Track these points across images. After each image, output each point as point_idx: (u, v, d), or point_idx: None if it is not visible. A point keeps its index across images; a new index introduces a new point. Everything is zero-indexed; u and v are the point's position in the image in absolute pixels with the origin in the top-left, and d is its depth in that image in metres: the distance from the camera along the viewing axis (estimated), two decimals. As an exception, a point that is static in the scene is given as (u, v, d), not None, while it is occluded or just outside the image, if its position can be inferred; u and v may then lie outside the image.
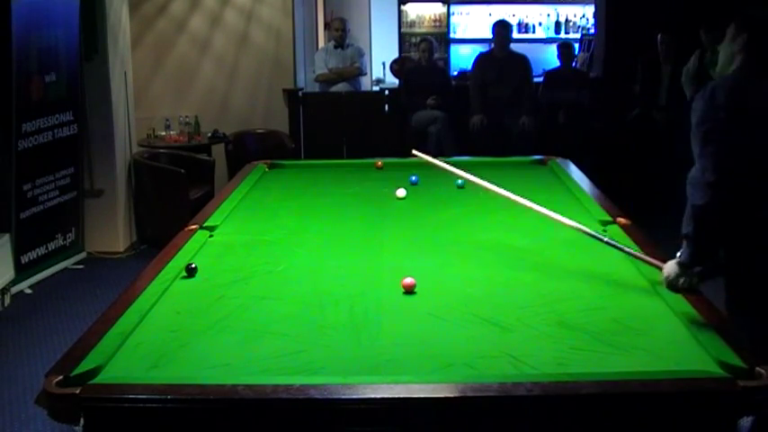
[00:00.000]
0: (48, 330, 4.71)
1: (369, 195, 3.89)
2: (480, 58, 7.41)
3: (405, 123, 7.35)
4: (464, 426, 1.82)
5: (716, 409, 1.82)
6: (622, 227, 3.08)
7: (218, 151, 6.87)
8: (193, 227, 3.19)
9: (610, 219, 3.20)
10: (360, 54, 7.68)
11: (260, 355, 2.07)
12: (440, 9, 9.99)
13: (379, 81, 9.70)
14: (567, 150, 4.95)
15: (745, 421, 1.81)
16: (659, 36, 6.91)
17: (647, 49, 7.01)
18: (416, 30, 9.96)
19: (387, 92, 8.00)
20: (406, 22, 10.03)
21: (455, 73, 9.37)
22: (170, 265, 2.73)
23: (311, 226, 3.37)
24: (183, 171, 5.86)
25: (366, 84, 8.74)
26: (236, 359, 2.05)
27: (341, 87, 7.54)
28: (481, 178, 4.10)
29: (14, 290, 5.14)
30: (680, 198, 2.74)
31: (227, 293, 2.53)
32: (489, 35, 7.89)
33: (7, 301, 5.01)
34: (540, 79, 7.70)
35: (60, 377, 1.88)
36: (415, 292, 2.48)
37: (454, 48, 10.01)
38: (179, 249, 2.90)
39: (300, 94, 7.49)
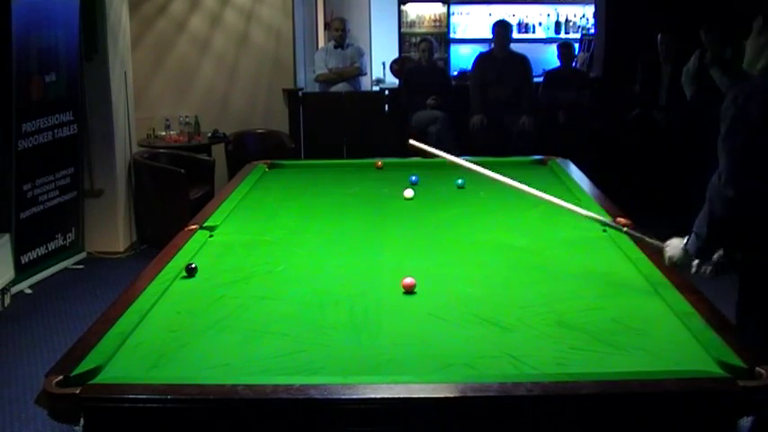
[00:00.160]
0: (48, 330, 4.71)
1: (369, 195, 3.89)
2: (480, 58, 7.41)
3: (405, 123, 7.35)
4: (464, 426, 1.82)
5: (716, 409, 1.82)
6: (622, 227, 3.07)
7: (218, 151, 6.87)
8: (193, 227, 3.19)
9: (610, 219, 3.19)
10: (360, 54, 7.68)
11: (260, 355, 2.07)
12: (440, 9, 9.99)
13: (379, 81, 9.70)
14: (567, 150, 4.95)
15: (745, 421, 1.81)
16: (659, 36, 6.91)
17: (647, 49, 7.01)
18: (416, 30, 9.96)
19: (387, 92, 8.00)
20: (406, 22, 10.03)
21: (455, 73, 9.37)
22: (170, 265, 2.73)
23: (311, 226, 3.37)
24: (183, 171, 5.86)
25: (366, 84, 8.74)
26: (236, 359, 2.05)
27: (341, 87, 7.54)
28: (481, 178, 4.12)
29: (14, 290, 5.15)
30: (680, 198, 2.75)
31: (227, 293, 2.53)
32: (489, 35, 7.89)
33: (7, 301, 5.01)
34: (540, 79, 7.70)
35: (60, 377, 1.88)
36: (415, 292, 2.48)
37: (454, 48, 10.01)
38: (179, 249, 2.90)
39: (300, 94, 7.49)
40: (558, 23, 9.97)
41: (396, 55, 9.38)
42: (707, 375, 1.87)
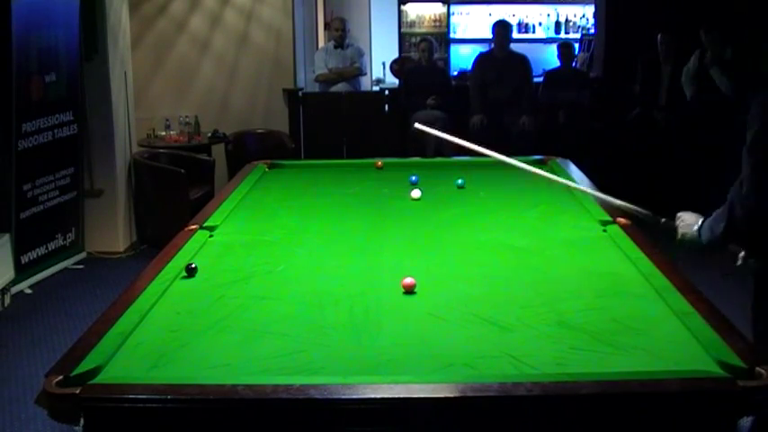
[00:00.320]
0: (48, 330, 4.71)
1: (369, 195, 3.89)
2: (480, 58, 7.42)
3: (405, 123, 7.35)
4: (464, 426, 1.82)
5: (716, 409, 1.82)
6: (622, 227, 3.07)
7: (218, 151, 6.88)
8: (193, 227, 3.18)
9: (610, 219, 3.20)
10: (360, 54, 7.68)
11: (260, 355, 2.06)
12: (440, 9, 10.00)
13: (379, 81, 9.70)
14: (567, 150, 4.95)
15: (745, 421, 1.81)
16: (659, 36, 6.91)
17: (647, 49, 7.01)
18: (416, 30, 9.96)
19: (387, 92, 8.01)
20: (406, 22, 10.03)
21: (455, 73, 9.37)
22: (170, 265, 2.72)
23: (311, 226, 3.37)
24: (183, 171, 5.86)
25: (366, 84, 8.74)
26: (236, 359, 2.05)
27: (341, 87, 7.55)
28: (481, 178, 4.13)
29: (14, 290, 5.15)
30: (679, 198, 2.75)
31: (227, 293, 2.53)
32: (489, 35, 7.90)
33: (7, 301, 5.01)
34: (540, 79, 7.70)
35: (60, 377, 1.88)
36: (415, 292, 2.48)
37: (454, 48, 10.02)
38: (179, 249, 2.89)
39: (300, 94, 7.49)
40: (558, 23, 9.98)
41: (396, 55, 9.39)
42: (707, 375, 1.87)
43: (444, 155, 6.79)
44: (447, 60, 9.83)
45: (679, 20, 6.86)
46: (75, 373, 1.90)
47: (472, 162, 4.85)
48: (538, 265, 2.77)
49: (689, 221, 2.58)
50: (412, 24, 10.04)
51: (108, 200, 6.11)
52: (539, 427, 1.84)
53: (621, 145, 7.04)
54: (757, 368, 1.86)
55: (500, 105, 7.08)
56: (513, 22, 9.23)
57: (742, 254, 2.56)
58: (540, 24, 10.01)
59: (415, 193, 3.69)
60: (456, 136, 7.40)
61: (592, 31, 9.25)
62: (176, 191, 5.87)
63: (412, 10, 10.02)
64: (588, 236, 3.08)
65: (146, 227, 6.28)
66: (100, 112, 6.02)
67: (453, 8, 9.97)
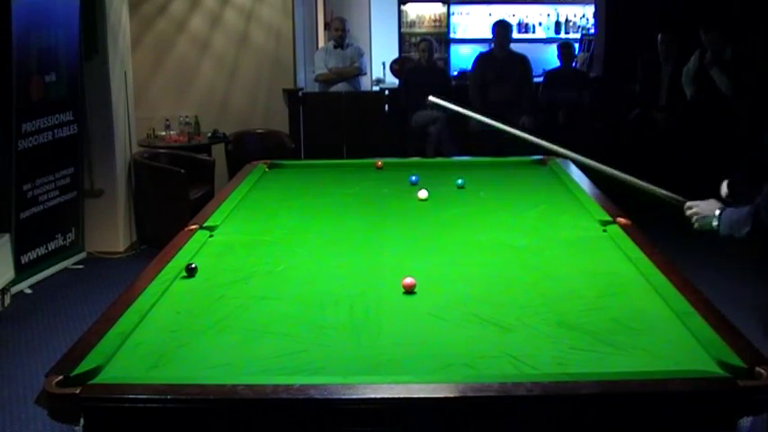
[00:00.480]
0: (48, 330, 4.71)
1: (369, 195, 3.89)
2: (480, 58, 7.42)
3: (405, 123, 7.35)
4: (464, 426, 1.82)
5: (716, 409, 1.82)
6: (622, 227, 3.07)
7: (219, 151, 6.88)
8: (193, 227, 3.18)
9: (610, 219, 3.20)
10: (359, 54, 7.68)
11: (260, 355, 2.07)
12: (440, 9, 10.00)
13: (379, 81, 9.71)
14: (567, 150, 4.94)
15: (745, 421, 1.81)
16: (659, 36, 6.91)
17: (647, 49, 7.01)
18: (416, 30, 9.97)
19: (387, 92, 8.01)
20: (406, 22, 10.04)
21: (455, 73, 9.38)
22: (170, 265, 2.72)
23: (311, 226, 3.37)
24: (182, 171, 5.86)
25: (366, 84, 8.75)
26: (236, 359, 2.05)
27: (341, 87, 7.55)
28: (481, 178, 4.13)
29: (14, 290, 5.14)
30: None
31: (227, 293, 2.53)
32: (489, 35, 7.90)
33: (7, 301, 5.01)
34: (540, 79, 7.70)
35: (60, 377, 1.88)
36: (415, 292, 2.48)
37: (454, 48, 10.02)
38: (179, 249, 2.89)
39: (300, 94, 7.50)
40: (558, 23, 9.98)
41: (396, 55, 9.39)
42: (707, 375, 1.87)
43: (445, 155, 6.80)
44: (447, 60, 9.84)
45: (679, 20, 6.87)
46: (75, 373, 1.90)
47: (472, 162, 4.87)
48: (538, 265, 2.77)
49: (704, 211, 2.59)
50: (412, 24, 10.04)
51: (108, 200, 6.10)
52: (539, 427, 1.84)
53: (621, 145, 7.03)
54: (757, 368, 1.86)
55: (500, 105, 7.06)
56: (513, 22, 9.24)
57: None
58: (540, 24, 10.01)
59: (422, 194, 3.68)
60: (456, 136, 7.43)
61: (592, 31, 9.26)
62: (176, 191, 5.87)
63: (412, 10, 10.02)
64: (588, 236, 3.08)
65: (146, 227, 6.28)
66: (100, 112, 6.01)
67: (453, 8, 9.97)
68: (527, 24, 9.97)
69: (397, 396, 1.80)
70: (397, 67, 8.78)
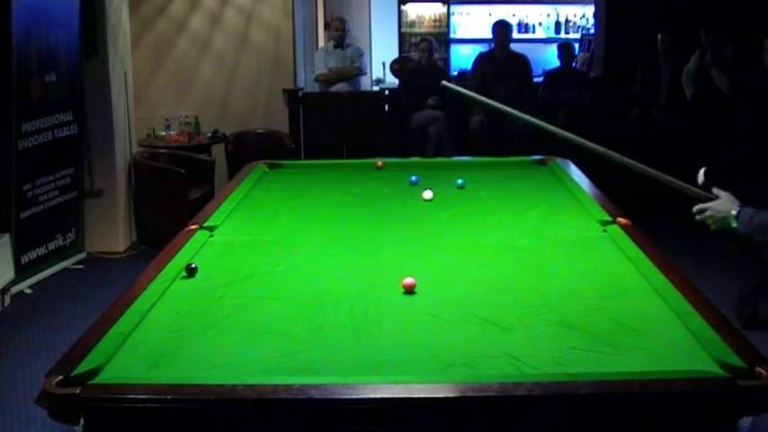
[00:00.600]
0: (48, 330, 4.71)
1: (369, 195, 3.89)
2: (480, 58, 7.42)
3: (405, 123, 7.35)
4: (464, 426, 1.82)
5: (716, 409, 1.82)
6: (622, 227, 3.07)
7: (218, 151, 6.88)
8: (193, 227, 3.19)
9: (610, 219, 3.20)
10: (359, 54, 7.68)
11: (260, 355, 2.07)
12: (440, 9, 10.00)
13: (379, 81, 9.71)
14: (567, 150, 4.94)
15: (745, 421, 1.81)
16: (659, 36, 6.91)
17: (647, 49, 7.01)
18: (416, 30, 9.97)
19: (387, 92, 8.01)
20: (406, 22, 10.04)
21: (455, 73, 9.37)
22: (170, 265, 2.73)
23: (311, 226, 3.37)
24: (182, 171, 5.86)
25: (366, 84, 8.75)
26: (236, 359, 2.05)
27: (341, 87, 7.55)
28: (481, 178, 4.13)
29: (14, 290, 5.14)
30: (679, 198, 2.75)
31: (227, 293, 2.53)
32: (489, 35, 7.90)
33: (7, 301, 5.01)
34: (540, 79, 7.70)
35: (60, 377, 1.88)
36: (415, 292, 2.48)
37: (454, 48, 10.02)
38: (179, 249, 2.90)
39: (300, 94, 7.49)
40: (558, 23, 9.99)
41: (396, 55, 9.39)
42: (707, 375, 1.87)
43: (445, 155, 6.80)
44: (447, 60, 9.84)
45: (679, 20, 6.87)
46: (75, 373, 1.90)
47: (472, 162, 4.87)
48: (538, 265, 2.78)
49: (720, 211, 2.57)
50: (412, 24, 10.04)
51: (108, 200, 6.10)
52: (539, 427, 1.84)
53: (621, 145, 7.03)
54: (757, 368, 1.86)
55: (500, 106, 7.07)
56: (513, 22, 9.24)
57: None
58: (540, 24, 10.01)
59: (427, 194, 3.67)
60: (456, 137, 7.42)
61: (592, 31, 9.26)
62: (176, 191, 5.87)
63: (412, 10, 10.02)
64: (588, 236, 3.08)
65: (146, 227, 6.28)
66: (100, 112, 6.01)
67: (453, 8, 9.97)
68: (527, 24, 9.97)
69: (397, 396, 1.80)
70: (397, 67, 8.78)
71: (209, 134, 6.80)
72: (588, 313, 2.31)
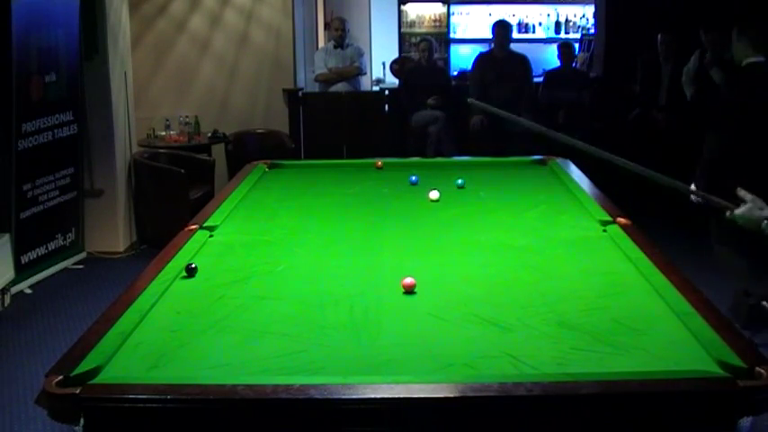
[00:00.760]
0: (48, 330, 4.71)
1: (369, 195, 3.89)
2: (480, 58, 7.42)
3: (405, 123, 7.35)
4: (464, 426, 1.82)
5: (716, 409, 1.82)
6: (622, 227, 3.07)
7: (218, 151, 6.88)
8: (193, 227, 3.19)
9: (610, 219, 3.20)
10: (359, 54, 7.68)
11: (260, 355, 2.07)
12: (440, 9, 10.00)
13: (379, 81, 9.71)
14: (567, 150, 4.95)
15: (745, 421, 1.81)
16: (659, 36, 6.91)
17: (647, 49, 7.01)
18: (416, 30, 9.97)
19: (387, 92, 8.01)
20: (406, 22, 10.04)
21: (455, 73, 9.37)
22: (170, 265, 2.73)
23: (311, 226, 3.37)
24: (182, 171, 5.86)
25: (366, 84, 8.74)
26: (236, 359, 2.05)
27: (341, 87, 7.55)
28: (481, 178, 4.13)
29: (14, 290, 5.15)
30: (679, 198, 2.75)
31: (227, 293, 2.53)
32: (489, 35, 7.90)
33: (7, 301, 5.01)
34: (540, 79, 7.70)
35: (60, 377, 1.88)
36: (415, 292, 2.48)
37: (454, 48, 10.02)
38: (179, 249, 2.90)
39: (300, 94, 7.49)
40: (558, 23, 9.98)
41: (396, 55, 9.39)
42: (707, 375, 1.87)
43: (445, 155, 6.80)
44: (447, 60, 9.84)
45: (679, 20, 6.87)
46: (75, 373, 1.90)
47: (472, 162, 4.87)
48: (538, 265, 2.77)
49: (750, 213, 2.51)
50: (412, 24, 10.04)
51: (108, 200, 6.11)
52: (539, 427, 1.84)
53: (621, 145, 7.03)
54: (757, 368, 1.86)
55: (500, 105, 7.05)
56: (513, 22, 9.24)
57: None
58: (540, 24, 10.01)
59: (434, 194, 3.67)
60: (456, 137, 7.41)
61: (592, 31, 9.25)
62: (176, 191, 5.87)
63: (412, 10, 10.02)
64: (588, 236, 3.08)
65: (146, 227, 6.29)
66: (100, 112, 6.02)
67: (453, 8, 9.97)
68: (527, 24, 9.97)
69: (397, 396, 1.80)
70: (397, 67, 8.78)
71: (209, 134, 6.80)
72: (588, 313, 2.31)
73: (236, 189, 3.86)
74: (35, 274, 5.41)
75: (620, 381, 1.86)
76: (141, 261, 4.53)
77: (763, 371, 1.85)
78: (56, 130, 5.51)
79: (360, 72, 7.69)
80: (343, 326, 2.25)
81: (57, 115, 5.51)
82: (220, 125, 6.96)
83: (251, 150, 6.64)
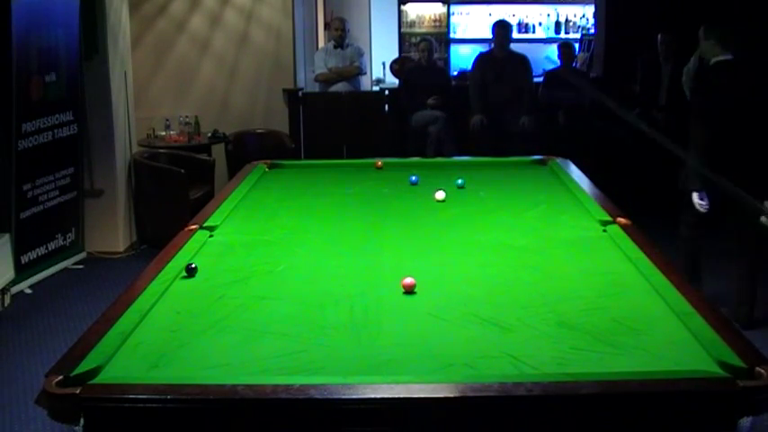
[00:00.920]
0: (48, 330, 4.71)
1: (369, 195, 3.89)
2: (480, 58, 7.41)
3: (405, 123, 7.35)
4: (464, 426, 1.82)
5: (716, 409, 1.82)
6: (622, 227, 3.07)
7: (218, 151, 6.88)
8: (193, 227, 3.19)
9: (610, 219, 3.20)
10: (359, 54, 7.68)
11: (260, 355, 2.07)
12: (440, 9, 9.99)
13: (379, 81, 9.70)
14: (567, 150, 4.95)
15: (745, 421, 1.81)
16: (659, 36, 6.91)
17: (647, 49, 7.01)
18: (416, 30, 9.96)
19: (387, 92, 8.00)
20: (406, 22, 10.03)
21: (455, 73, 9.37)
22: (170, 265, 2.73)
23: (311, 226, 3.37)
24: (182, 171, 5.86)
25: (366, 84, 8.74)
26: (236, 359, 2.05)
27: (341, 87, 7.54)
28: (481, 178, 4.13)
29: (14, 290, 5.14)
30: (679, 198, 2.75)
31: (227, 293, 2.53)
32: (489, 35, 7.89)
33: (7, 301, 5.01)
34: (540, 79, 7.70)
35: (60, 377, 1.88)
36: (415, 292, 2.48)
37: (454, 48, 10.02)
38: (179, 249, 2.90)
39: (300, 94, 7.49)
40: (558, 23, 9.98)
41: (396, 55, 9.38)
42: (707, 375, 1.87)
43: (445, 155, 6.80)
44: (447, 60, 9.83)
45: (679, 20, 6.87)
46: (75, 373, 1.90)
47: (472, 162, 4.87)
48: (538, 265, 2.78)
49: None
50: (412, 24, 10.04)
51: (108, 200, 6.10)
52: (539, 427, 1.84)
53: (621, 145, 7.03)
54: (757, 368, 1.86)
55: (500, 105, 7.07)
56: (513, 22, 9.24)
57: None
58: (540, 24, 10.01)
59: (440, 195, 3.67)
60: (456, 137, 7.38)
61: (592, 31, 9.25)
62: (176, 191, 5.87)
63: (412, 10, 10.02)
64: (588, 236, 3.08)
65: (146, 227, 6.28)
66: (100, 112, 6.01)
67: (453, 8, 9.97)
68: (527, 24, 9.97)
69: (397, 396, 1.80)
70: (397, 67, 8.77)
71: (209, 134, 6.80)
72: (588, 313, 2.31)
73: (236, 189, 3.86)
74: (35, 274, 5.41)
75: (620, 381, 1.86)
76: (141, 261, 4.54)
77: (763, 371, 1.85)
78: (56, 130, 5.51)
79: (360, 72, 7.69)
80: (344, 326, 2.25)
81: (57, 115, 5.51)
82: (220, 125, 6.96)
83: (251, 150, 6.64)
